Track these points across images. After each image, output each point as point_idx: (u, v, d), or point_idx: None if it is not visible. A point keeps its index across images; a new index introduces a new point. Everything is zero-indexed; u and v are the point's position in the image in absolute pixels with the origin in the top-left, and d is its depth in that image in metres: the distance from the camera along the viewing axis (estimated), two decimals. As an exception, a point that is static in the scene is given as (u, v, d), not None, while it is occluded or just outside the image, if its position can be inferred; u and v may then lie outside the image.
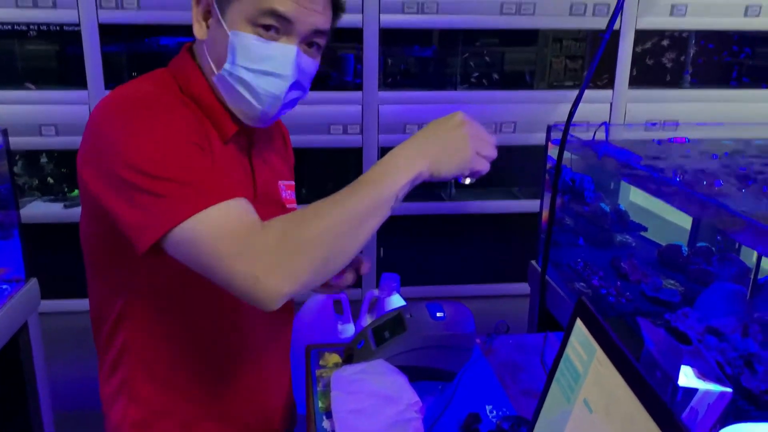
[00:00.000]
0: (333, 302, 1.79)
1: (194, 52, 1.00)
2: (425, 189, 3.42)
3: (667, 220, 2.09)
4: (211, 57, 0.94)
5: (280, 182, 1.11)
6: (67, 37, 2.91)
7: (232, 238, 0.78)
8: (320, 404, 1.08)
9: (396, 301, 1.76)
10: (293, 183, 1.18)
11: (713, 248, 1.69)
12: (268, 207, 1.02)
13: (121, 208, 0.82)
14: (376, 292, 1.80)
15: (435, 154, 0.88)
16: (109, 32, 2.81)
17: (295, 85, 0.95)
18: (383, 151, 3.11)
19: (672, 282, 1.64)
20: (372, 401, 1.01)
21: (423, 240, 3.29)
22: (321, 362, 1.22)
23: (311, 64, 0.97)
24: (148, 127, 0.83)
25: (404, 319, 1.15)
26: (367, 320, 1.73)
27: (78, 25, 2.74)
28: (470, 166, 0.91)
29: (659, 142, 1.93)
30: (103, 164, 0.83)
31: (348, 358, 1.16)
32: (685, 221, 1.98)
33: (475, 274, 3.31)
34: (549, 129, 1.97)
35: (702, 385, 0.94)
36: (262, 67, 0.91)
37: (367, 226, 0.84)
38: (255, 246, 0.78)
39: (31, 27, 2.88)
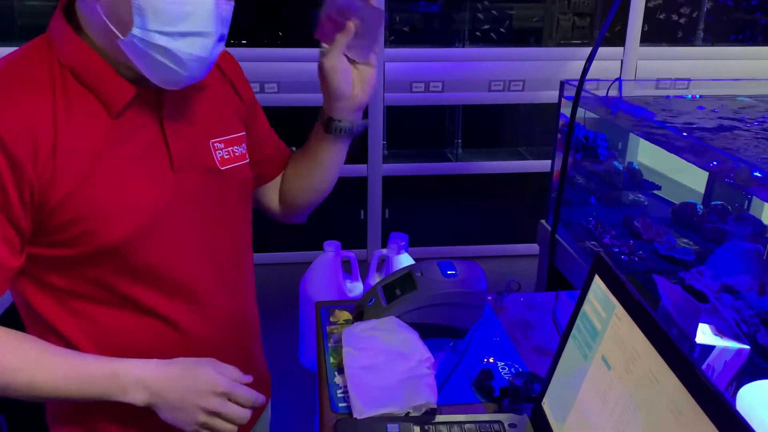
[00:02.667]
0: (341, 261, 1.78)
1: (76, 10, 0.85)
2: (430, 148, 3.40)
3: (676, 180, 2.06)
4: (110, 20, 0.79)
5: (211, 142, 0.97)
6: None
7: None
8: (332, 360, 1.07)
9: (405, 260, 1.75)
10: (243, 134, 1.05)
11: (728, 207, 1.67)
12: (195, 174, 0.94)
13: None
14: (384, 251, 1.79)
15: (164, 400, 0.87)
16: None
17: (220, 39, 0.84)
18: (389, 110, 3.07)
19: (686, 241, 1.62)
20: (384, 357, 1.00)
21: (429, 200, 3.27)
22: (331, 319, 1.21)
23: (230, 9, 0.85)
24: None
25: (415, 276, 1.13)
26: (376, 279, 1.73)
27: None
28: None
29: (678, 97, 1.89)
30: None
31: (358, 315, 1.15)
32: (696, 182, 1.95)
33: (483, 234, 3.30)
34: (562, 85, 1.93)
35: (719, 342, 0.93)
36: (180, 28, 0.79)
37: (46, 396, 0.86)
38: None
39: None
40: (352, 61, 1.03)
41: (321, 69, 1.01)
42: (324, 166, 1.13)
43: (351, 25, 0.98)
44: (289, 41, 2.91)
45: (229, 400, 0.91)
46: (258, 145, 1.11)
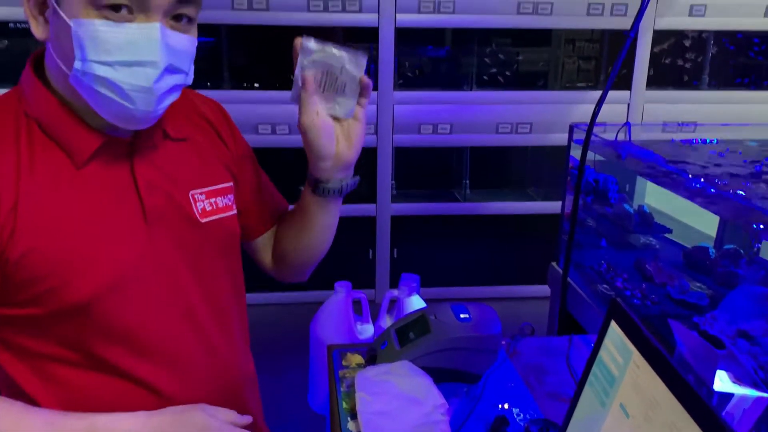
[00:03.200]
0: (352, 302, 1.77)
1: (41, 58, 0.85)
2: (439, 188, 3.42)
3: (685, 223, 2.06)
4: (58, 56, 0.78)
5: (191, 193, 0.94)
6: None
7: None
8: (344, 405, 1.06)
9: (416, 302, 1.74)
10: (230, 185, 1.00)
11: (741, 251, 1.66)
12: (171, 227, 0.90)
13: None
14: (395, 292, 1.78)
15: None
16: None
17: (168, 70, 0.79)
18: (398, 151, 3.10)
19: (699, 285, 1.61)
20: (398, 403, 0.99)
21: (438, 240, 3.27)
22: (344, 362, 1.20)
23: (185, 40, 0.81)
24: None
25: (428, 319, 1.13)
26: (387, 321, 1.72)
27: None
28: None
29: (686, 141, 1.91)
30: None
31: (371, 359, 1.15)
32: (706, 225, 1.95)
33: (492, 275, 3.29)
34: (571, 129, 1.95)
35: (738, 390, 0.92)
36: (121, 57, 0.75)
37: None
38: None
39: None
40: (336, 117, 0.96)
41: (299, 128, 0.95)
42: (315, 227, 1.06)
43: (309, 78, 0.91)
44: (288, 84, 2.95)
45: None
46: (243, 198, 1.06)
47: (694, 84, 3.20)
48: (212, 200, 0.96)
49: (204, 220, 0.94)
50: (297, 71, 0.92)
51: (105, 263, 0.84)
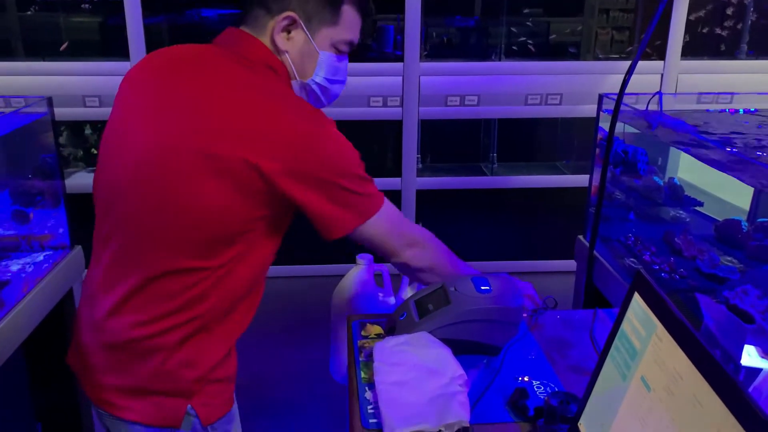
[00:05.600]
0: (373, 274, 1.76)
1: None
2: (465, 162, 3.38)
3: (716, 196, 2.00)
4: (295, 65, 1.07)
5: None
6: (109, 9, 2.92)
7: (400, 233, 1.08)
8: (362, 375, 1.06)
9: (438, 274, 1.72)
10: None
11: (776, 224, 1.61)
12: None
13: (325, 205, 0.97)
14: (417, 265, 1.76)
15: None
16: (150, 3, 2.82)
17: None
18: (424, 124, 3.06)
19: (729, 258, 1.56)
20: (415, 373, 0.98)
21: (463, 214, 3.24)
22: (363, 333, 1.20)
23: None
24: (342, 139, 1.00)
25: (448, 291, 1.11)
26: (408, 293, 1.70)
27: (120, -5, 2.74)
28: None
29: (722, 111, 1.84)
30: (313, 173, 0.95)
31: (390, 330, 1.14)
32: (739, 198, 1.89)
33: (518, 250, 3.26)
34: (601, 98, 1.89)
35: (767, 365, 0.89)
36: (336, 77, 1.11)
37: None
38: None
39: (77, -1, 2.90)
40: None
41: None
42: None
43: None
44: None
45: None
46: None
47: (731, 53, 3.09)
48: None
49: None
50: None
51: None
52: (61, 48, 2.99)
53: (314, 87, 1.10)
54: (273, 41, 1.04)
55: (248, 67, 1.01)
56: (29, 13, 2.99)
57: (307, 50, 1.07)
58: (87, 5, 2.97)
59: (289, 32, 1.05)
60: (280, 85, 1.03)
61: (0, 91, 2.71)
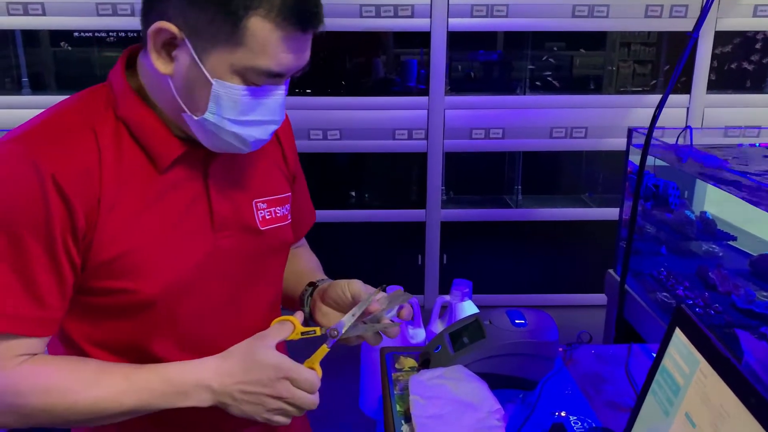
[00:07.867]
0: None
1: (138, 63, 0.89)
2: (490, 194, 3.38)
3: (748, 231, 1.98)
4: (181, 96, 0.83)
5: (255, 201, 0.97)
6: (135, 42, 3.00)
7: None
8: (398, 408, 1.06)
9: (468, 307, 1.72)
10: (288, 195, 1.04)
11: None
12: (234, 233, 0.94)
13: None
14: (447, 297, 1.77)
15: (231, 397, 0.85)
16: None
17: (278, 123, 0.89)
18: (448, 156, 3.09)
19: (766, 294, 1.54)
20: (452, 407, 0.98)
21: (488, 247, 3.24)
22: (396, 365, 1.20)
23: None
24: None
25: (482, 324, 1.11)
26: (438, 326, 1.70)
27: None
28: (263, 420, 0.87)
29: (751, 145, 1.84)
30: None
31: (424, 363, 1.14)
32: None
33: (545, 283, 3.24)
34: (630, 132, 1.90)
35: (812, 404, 0.88)
36: (252, 117, 0.84)
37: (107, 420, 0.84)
38: None
39: (110, 33, 2.98)
40: None
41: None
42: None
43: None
44: (351, 90, 2.98)
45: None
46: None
47: (758, 87, 3.08)
48: (272, 209, 1.00)
49: (263, 228, 0.98)
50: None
51: (174, 265, 0.88)
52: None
53: (210, 128, 0.83)
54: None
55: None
56: (62, 47, 3.09)
57: (194, 76, 0.80)
58: (112, 38, 3.03)
59: (169, 53, 0.81)
60: (67, 112, 0.83)
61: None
